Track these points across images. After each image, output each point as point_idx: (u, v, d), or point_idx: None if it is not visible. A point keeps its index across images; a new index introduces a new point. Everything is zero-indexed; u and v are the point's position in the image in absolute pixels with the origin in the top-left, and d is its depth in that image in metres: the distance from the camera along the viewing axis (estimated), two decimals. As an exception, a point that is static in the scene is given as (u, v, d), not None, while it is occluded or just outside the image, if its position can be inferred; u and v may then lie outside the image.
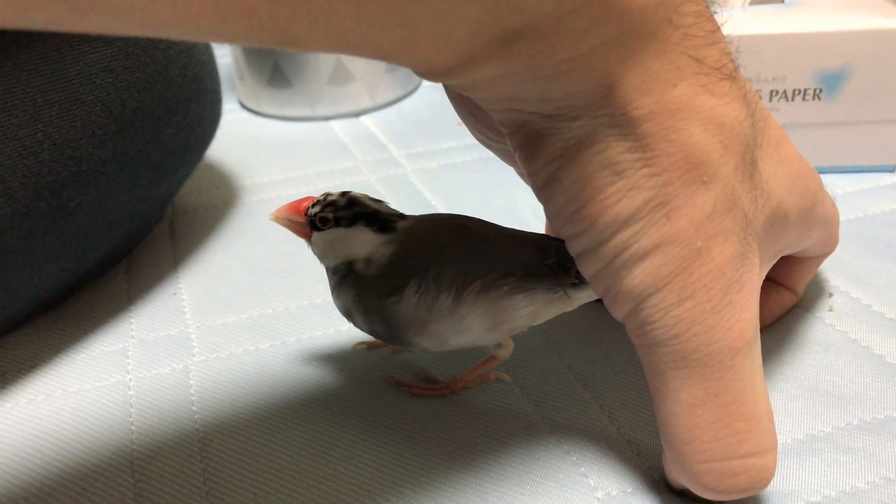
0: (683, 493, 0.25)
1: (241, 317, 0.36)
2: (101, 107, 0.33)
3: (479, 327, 0.27)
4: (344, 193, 0.28)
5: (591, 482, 0.27)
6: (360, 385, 0.31)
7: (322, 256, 0.29)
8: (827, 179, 0.45)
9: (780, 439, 0.28)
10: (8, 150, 0.30)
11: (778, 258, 0.27)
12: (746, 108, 0.23)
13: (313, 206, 0.28)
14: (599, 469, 0.27)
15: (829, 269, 0.37)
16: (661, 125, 0.21)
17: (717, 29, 0.23)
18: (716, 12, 0.23)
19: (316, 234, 0.28)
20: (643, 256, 0.22)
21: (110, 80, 0.33)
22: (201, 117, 0.40)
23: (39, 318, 0.36)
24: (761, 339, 0.32)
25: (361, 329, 0.29)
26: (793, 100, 0.43)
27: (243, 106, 0.62)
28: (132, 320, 0.36)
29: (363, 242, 0.28)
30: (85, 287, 0.39)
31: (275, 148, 0.55)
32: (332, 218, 0.28)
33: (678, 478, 0.25)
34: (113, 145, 0.34)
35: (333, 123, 0.58)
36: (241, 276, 0.39)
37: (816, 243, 0.30)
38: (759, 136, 0.24)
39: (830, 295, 0.35)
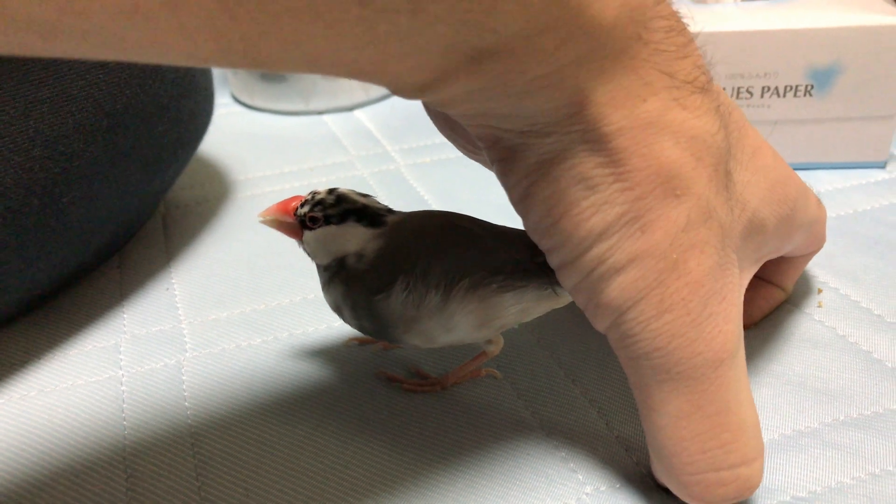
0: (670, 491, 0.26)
1: (233, 312, 0.36)
2: (92, 103, 0.33)
3: (467, 325, 0.27)
4: (331, 191, 0.28)
5: (581, 477, 0.27)
6: (352, 381, 0.32)
7: (314, 255, 0.29)
8: (817, 175, 0.45)
9: (767, 435, 0.28)
10: (-1, 147, 0.30)
11: (760, 264, 0.27)
12: (719, 120, 0.23)
13: (302, 205, 0.28)
14: (588, 464, 0.27)
15: (819, 266, 0.37)
16: (633, 140, 0.22)
17: (690, 42, 0.23)
18: (688, 25, 0.23)
19: (307, 234, 0.28)
20: (619, 270, 0.22)
21: (102, 76, 0.33)
22: (193, 113, 0.40)
23: (32, 314, 0.37)
24: (749, 335, 0.33)
25: (350, 325, 0.29)
26: (784, 96, 0.43)
27: (236, 100, 0.62)
28: (124, 315, 0.37)
29: (354, 238, 0.28)
30: (77, 282, 0.39)
31: (268, 142, 0.55)
32: (321, 216, 0.28)
33: (667, 484, 0.25)
34: (104, 142, 0.34)
35: (327, 118, 0.58)
36: (234, 271, 0.40)
37: (802, 244, 0.30)
38: (734, 146, 0.24)
39: (819, 291, 0.35)
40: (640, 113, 0.21)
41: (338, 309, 0.29)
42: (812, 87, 0.43)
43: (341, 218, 0.28)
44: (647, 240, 0.22)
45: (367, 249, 0.28)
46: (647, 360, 0.23)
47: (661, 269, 0.22)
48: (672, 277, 0.22)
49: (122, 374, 0.33)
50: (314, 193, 0.28)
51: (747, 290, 0.33)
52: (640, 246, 0.22)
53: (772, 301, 0.33)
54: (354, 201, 0.28)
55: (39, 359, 0.34)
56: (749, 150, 0.25)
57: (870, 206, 0.42)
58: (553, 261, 0.24)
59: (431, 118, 0.26)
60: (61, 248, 0.34)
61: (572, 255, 0.23)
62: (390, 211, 0.29)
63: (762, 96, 0.43)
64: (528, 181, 0.23)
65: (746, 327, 0.33)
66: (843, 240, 0.39)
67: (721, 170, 0.23)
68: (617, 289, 0.22)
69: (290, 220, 0.28)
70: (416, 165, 0.50)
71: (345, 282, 0.28)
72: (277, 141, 0.55)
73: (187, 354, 0.34)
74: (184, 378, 0.32)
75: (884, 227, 0.40)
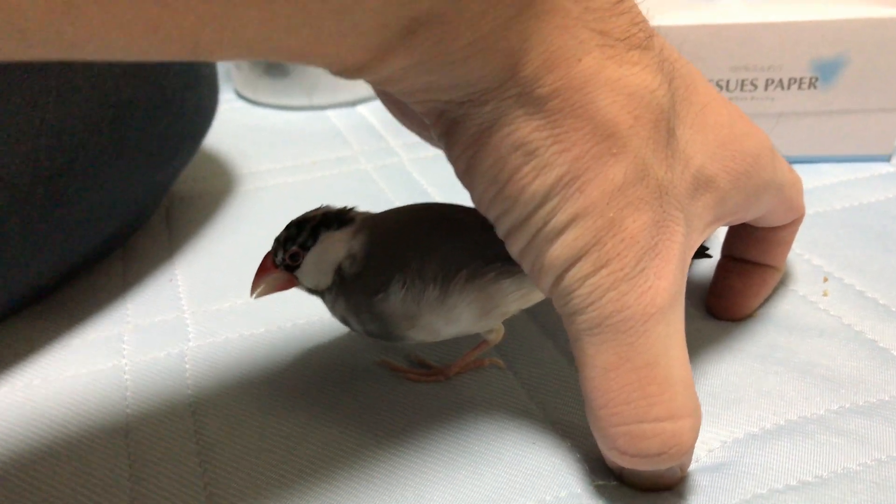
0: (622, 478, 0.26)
1: (235, 302, 0.36)
2: (98, 94, 0.33)
3: (469, 315, 0.27)
4: (288, 226, 0.28)
5: (587, 467, 0.27)
6: (355, 370, 0.32)
7: (316, 283, 0.29)
8: (821, 168, 0.45)
9: (774, 420, 0.28)
10: (5, 136, 0.30)
11: (723, 223, 0.27)
12: (661, 76, 0.23)
13: (275, 255, 0.28)
14: (595, 455, 0.27)
15: (823, 256, 0.37)
16: (568, 101, 0.22)
17: None
18: None
19: (298, 272, 0.28)
20: (561, 230, 0.23)
21: (107, 67, 0.33)
22: (198, 106, 0.40)
23: (36, 304, 0.37)
24: (755, 323, 0.33)
25: (358, 333, 0.29)
26: (789, 88, 0.43)
27: (240, 95, 0.62)
28: (128, 306, 0.37)
29: (336, 244, 0.28)
30: (81, 273, 0.39)
31: (271, 137, 0.55)
32: (298, 248, 0.28)
33: (597, 441, 0.25)
34: (109, 133, 0.34)
35: (330, 112, 0.58)
36: (237, 262, 0.40)
37: (776, 211, 0.30)
38: (679, 103, 0.24)
39: (825, 280, 0.35)
40: (574, 73, 0.22)
41: (345, 321, 0.29)
42: (817, 79, 0.43)
43: (314, 236, 0.28)
44: (586, 199, 0.22)
45: (355, 248, 0.28)
46: (583, 314, 0.23)
47: (598, 227, 0.23)
48: (609, 235, 0.23)
49: (126, 363, 0.33)
50: (276, 238, 0.28)
51: (741, 279, 0.33)
52: (579, 206, 0.22)
53: (767, 284, 0.33)
54: (313, 217, 0.28)
55: (43, 348, 0.34)
56: (697, 107, 0.25)
57: (874, 199, 0.42)
58: (501, 228, 0.24)
59: (381, 100, 0.26)
60: (65, 239, 0.34)
61: (518, 219, 0.23)
62: (350, 208, 0.29)
63: (766, 89, 0.43)
64: (470, 152, 0.23)
65: (748, 316, 0.33)
66: (848, 232, 0.39)
67: (662, 127, 0.23)
68: (559, 248, 0.23)
69: (278, 273, 0.28)
70: (420, 160, 0.50)
71: (345, 294, 0.28)
72: (280, 135, 0.55)
73: (190, 344, 0.34)
74: (187, 367, 0.32)
75: (888, 219, 0.40)
